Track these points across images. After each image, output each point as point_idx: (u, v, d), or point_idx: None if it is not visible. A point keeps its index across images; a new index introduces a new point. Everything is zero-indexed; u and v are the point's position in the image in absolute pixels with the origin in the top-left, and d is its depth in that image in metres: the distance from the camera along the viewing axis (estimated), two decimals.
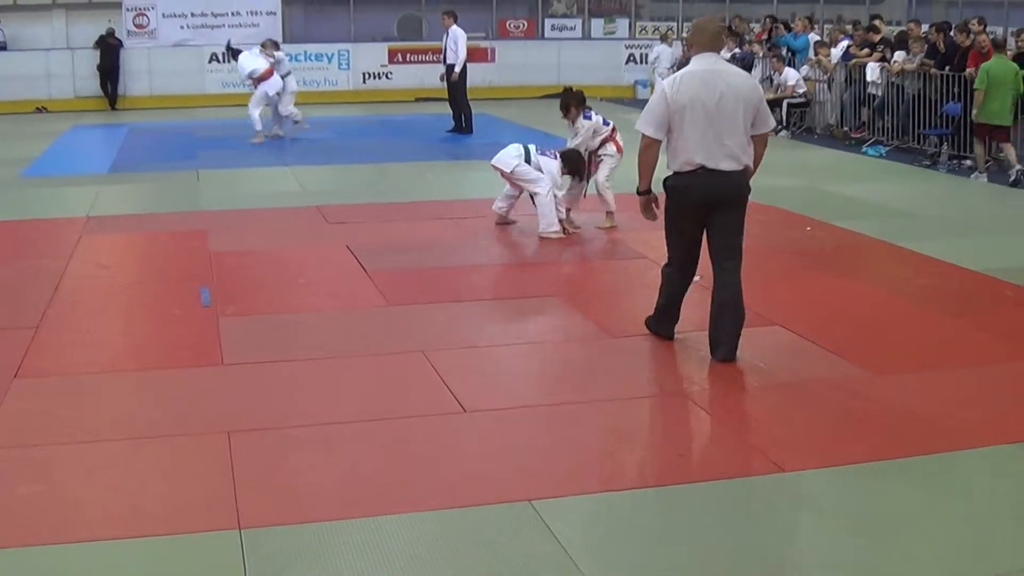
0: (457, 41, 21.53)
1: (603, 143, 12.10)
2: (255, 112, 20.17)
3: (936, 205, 14.25)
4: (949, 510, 5.60)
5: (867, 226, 12.02)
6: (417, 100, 27.84)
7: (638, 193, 7.97)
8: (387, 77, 29.09)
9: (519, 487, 5.74)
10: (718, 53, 7.92)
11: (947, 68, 17.84)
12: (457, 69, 21.55)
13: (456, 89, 21.78)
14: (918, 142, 18.58)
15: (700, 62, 7.71)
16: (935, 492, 5.81)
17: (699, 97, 7.48)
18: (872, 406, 6.98)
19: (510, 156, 12.00)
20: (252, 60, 20.15)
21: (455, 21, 21.59)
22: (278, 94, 20.18)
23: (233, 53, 20.90)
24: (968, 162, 17.10)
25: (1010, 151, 15.99)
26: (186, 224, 12.64)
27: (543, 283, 9.88)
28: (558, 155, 11.95)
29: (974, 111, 16.04)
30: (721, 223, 7.72)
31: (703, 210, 7.68)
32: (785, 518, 5.55)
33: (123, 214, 13.46)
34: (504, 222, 12.35)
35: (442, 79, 21.89)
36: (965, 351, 8.12)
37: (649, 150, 7.72)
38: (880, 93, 19.64)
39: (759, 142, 7.76)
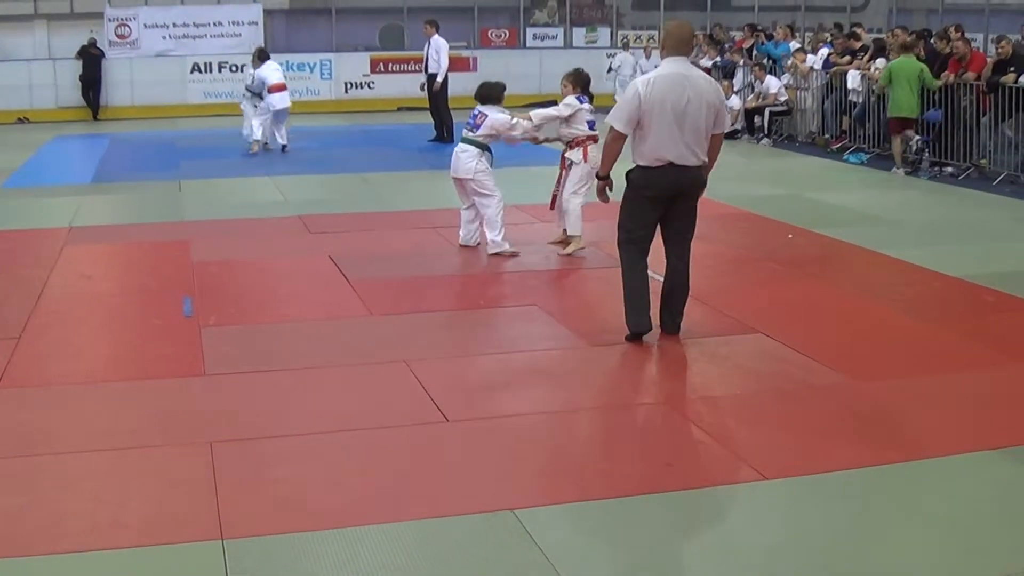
0: (439, 51, 21.66)
1: (574, 143, 11.39)
2: (256, 121, 20.12)
3: (917, 212, 14.29)
4: (931, 516, 5.61)
5: (848, 233, 12.05)
6: (399, 110, 27.86)
7: (598, 177, 8.71)
8: (369, 87, 29.09)
9: (502, 496, 5.73)
10: (687, 57, 8.56)
11: None
12: (439, 79, 21.61)
13: (438, 98, 21.83)
14: None
15: (671, 65, 8.24)
16: (917, 498, 5.83)
17: (669, 99, 8.04)
18: (854, 413, 6.99)
19: (469, 159, 11.39)
20: (273, 72, 20.16)
21: (437, 30, 21.66)
22: (283, 111, 20.22)
23: (261, 56, 20.78)
24: (949, 169, 17.18)
25: (915, 144, 17.45)
26: (168, 234, 12.63)
27: (524, 292, 9.89)
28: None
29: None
30: (676, 214, 8.34)
31: (663, 200, 8.26)
32: (767, 525, 5.56)
33: (105, 224, 13.44)
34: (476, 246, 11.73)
35: (423, 88, 21.94)
36: (946, 357, 8.14)
37: (616, 142, 8.31)
38: (861, 100, 19.69)
39: (716, 140, 8.39)
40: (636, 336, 8.34)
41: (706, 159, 8.31)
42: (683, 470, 6.22)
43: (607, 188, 8.66)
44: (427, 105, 22.16)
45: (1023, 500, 5.79)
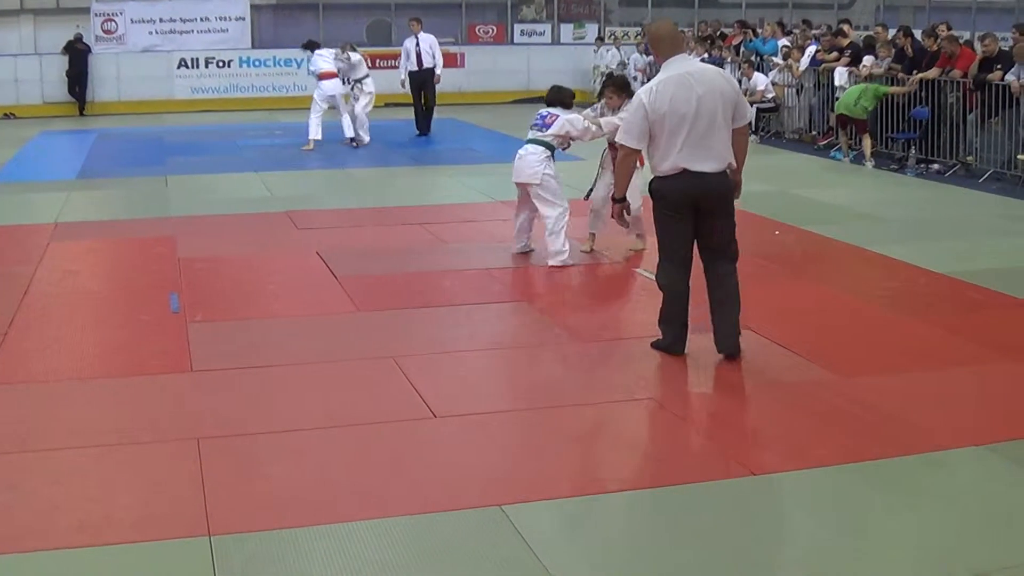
0: (433, 45, 21.88)
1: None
2: (313, 119, 20.21)
3: (903, 208, 14.32)
4: (919, 512, 5.63)
5: (835, 230, 12.07)
6: (386, 105, 27.78)
7: (614, 200, 8.08)
8: None
9: (490, 492, 5.74)
10: (685, 53, 7.95)
11: (915, 72, 17.94)
12: (439, 72, 21.97)
13: (432, 92, 22.05)
14: (886, 146, 18.67)
15: (672, 67, 7.68)
16: (905, 494, 5.84)
17: (677, 103, 7.48)
18: (841, 409, 7.01)
19: (536, 162, 10.79)
20: (321, 60, 20.30)
21: (422, 26, 21.78)
22: (343, 96, 20.36)
23: (309, 46, 20.84)
24: (936, 166, 17.24)
25: (867, 143, 18.06)
26: (155, 230, 12.60)
27: (512, 288, 9.90)
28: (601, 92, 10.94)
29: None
30: (709, 227, 7.74)
31: (688, 211, 7.66)
32: (756, 521, 5.57)
33: (92, 220, 13.42)
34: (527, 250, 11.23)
35: (404, 84, 21.99)
36: (932, 354, 8.17)
37: (628, 159, 7.85)
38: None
39: (739, 134, 7.80)
40: (664, 350, 7.99)
41: (731, 160, 7.71)
42: (671, 466, 6.23)
43: (624, 211, 8.14)
44: (410, 101, 22.19)
45: (1008, 496, 5.81)
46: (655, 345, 8.04)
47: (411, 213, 13.60)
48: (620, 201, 8.03)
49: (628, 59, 28.93)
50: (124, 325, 8.98)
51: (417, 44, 21.94)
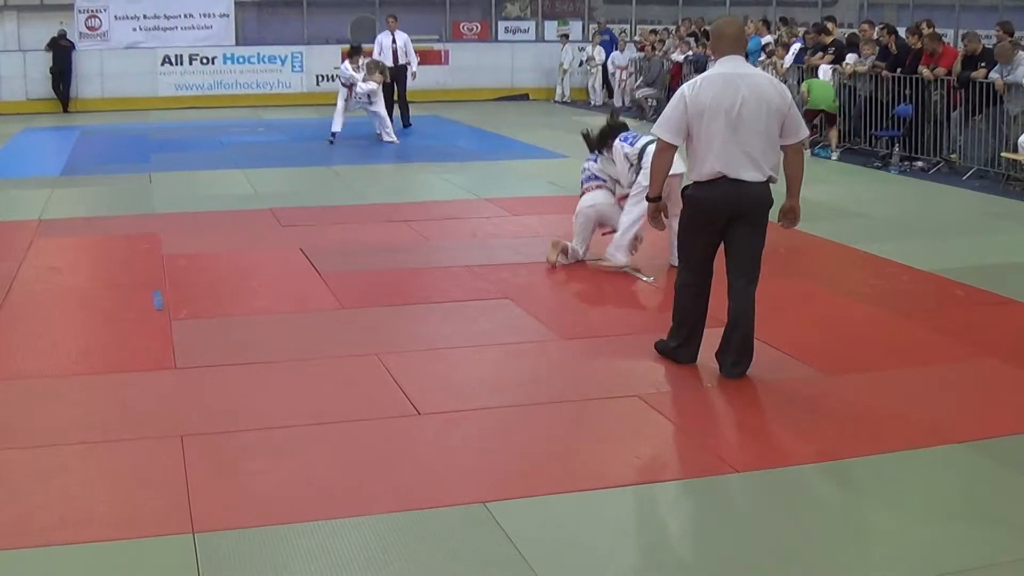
0: (407, 43, 22.39)
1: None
2: (340, 118, 20.59)
3: (888, 206, 14.35)
4: (900, 510, 5.64)
5: (820, 227, 12.07)
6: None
7: (648, 200, 7.74)
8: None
9: (473, 489, 5.75)
10: (742, 55, 7.49)
11: (898, 70, 17.98)
12: (414, 69, 22.39)
13: (404, 87, 22.50)
14: (870, 144, 18.72)
15: (722, 66, 7.34)
16: (888, 491, 5.85)
17: (719, 101, 7.13)
18: (825, 406, 7.03)
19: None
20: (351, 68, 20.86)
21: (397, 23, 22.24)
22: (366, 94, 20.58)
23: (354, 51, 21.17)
24: (919, 163, 17.29)
25: (832, 135, 19.03)
26: (139, 227, 12.58)
27: (496, 285, 9.88)
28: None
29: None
30: (739, 240, 7.36)
31: (721, 223, 7.30)
32: (739, 518, 5.58)
33: (75, 217, 13.38)
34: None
35: (392, 85, 22.16)
36: (917, 351, 8.19)
37: (663, 155, 7.45)
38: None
39: (793, 152, 7.41)
40: (671, 358, 7.72)
41: (772, 173, 7.26)
42: (655, 463, 6.25)
43: (661, 213, 7.81)
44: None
45: (989, 493, 5.83)
46: (658, 348, 7.83)
47: (395, 210, 13.58)
48: (654, 200, 7.67)
49: (593, 56, 29.24)
50: (108, 322, 8.96)
51: (393, 41, 22.37)
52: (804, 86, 19.36)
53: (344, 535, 5.27)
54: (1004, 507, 5.66)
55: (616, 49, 28.85)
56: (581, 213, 10.56)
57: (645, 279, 10.07)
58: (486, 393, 7.34)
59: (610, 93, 29.23)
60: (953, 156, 17.14)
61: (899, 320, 8.94)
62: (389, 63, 22.01)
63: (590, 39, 29.64)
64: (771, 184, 7.34)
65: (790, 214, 7.60)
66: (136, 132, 22.64)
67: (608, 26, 30.97)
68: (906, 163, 17.46)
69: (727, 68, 7.29)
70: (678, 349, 7.69)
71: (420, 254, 11.26)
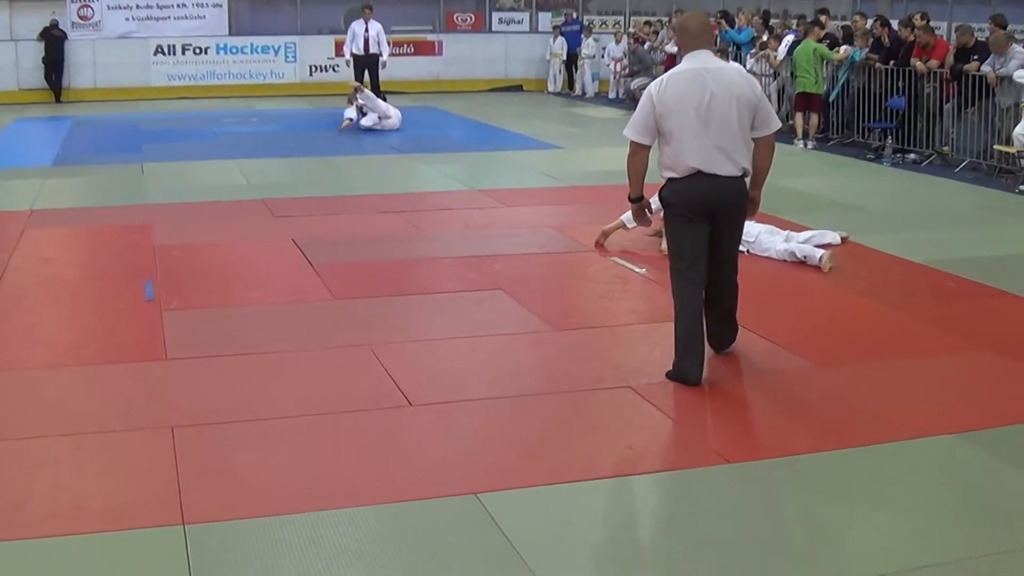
0: (380, 33, 23.06)
1: None
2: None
3: (880, 198, 14.36)
4: (892, 501, 5.64)
5: (811, 219, 12.08)
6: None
7: (630, 200, 7.65)
8: (334, 70, 28.95)
9: (465, 480, 5.74)
10: (710, 49, 7.43)
11: (891, 62, 17.99)
12: (385, 58, 23.19)
13: (376, 75, 23.07)
14: (862, 136, 18.73)
15: (688, 61, 7.27)
16: (879, 483, 5.85)
17: (686, 97, 7.09)
18: (817, 398, 7.03)
19: None
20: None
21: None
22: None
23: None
24: (912, 155, 17.31)
25: (814, 121, 19.20)
26: (130, 218, 12.56)
27: (489, 277, 9.87)
28: None
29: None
30: (718, 237, 7.32)
31: (700, 216, 7.20)
32: (731, 509, 5.57)
33: (67, 208, 13.36)
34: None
35: (348, 64, 22.67)
36: (908, 343, 8.19)
37: (635, 156, 7.36)
38: (825, 87, 19.77)
39: (763, 145, 7.34)
40: (680, 380, 7.24)
41: (747, 167, 7.24)
42: (646, 454, 6.25)
43: (645, 209, 7.72)
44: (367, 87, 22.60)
45: (982, 485, 5.84)
46: (670, 375, 7.30)
47: (388, 201, 13.57)
48: (636, 201, 7.59)
49: (553, 46, 29.47)
50: (99, 313, 8.95)
51: (366, 30, 22.87)
52: (792, 64, 19.76)
53: (335, 526, 5.26)
54: (997, 499, 5.67)
55: (584, 38, 29.25)
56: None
57: (637, 270, 10.06)
58: (478, 384, 7.34)
59: (570, 83, 29.44)
60: (945, 148, 17.16)
61: (892, 312, 8.95)
62: (360, 51, 22.73)
63: (613, 33, 29.55)
64: (745, 178, 7.34)
65: (751, 204, 7.55)
66: (129, 122, 22.61)
67: (603, 17, 30.99)
68: (899, 155, 17.48)
69: (694, 63, 7.23)
70: (691, 371, 7.23)
71: (413, 245, 11.25)
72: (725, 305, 7.60)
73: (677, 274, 7.36)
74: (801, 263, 10.24)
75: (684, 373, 7.22)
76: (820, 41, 19.95)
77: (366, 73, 22.99)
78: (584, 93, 29.10)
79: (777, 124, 7.44)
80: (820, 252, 10.26)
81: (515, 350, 8.07)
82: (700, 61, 7.23)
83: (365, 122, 20.71)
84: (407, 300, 9.28)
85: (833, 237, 10.93)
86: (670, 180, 7.27)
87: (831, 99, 19.58)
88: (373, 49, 22.79)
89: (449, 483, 5.72)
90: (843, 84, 19.26)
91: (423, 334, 8.36)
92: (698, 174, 7.12)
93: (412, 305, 9.14)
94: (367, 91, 21.26)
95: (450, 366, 7.72)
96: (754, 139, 7.26)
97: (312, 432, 6.43)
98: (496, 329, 8.49)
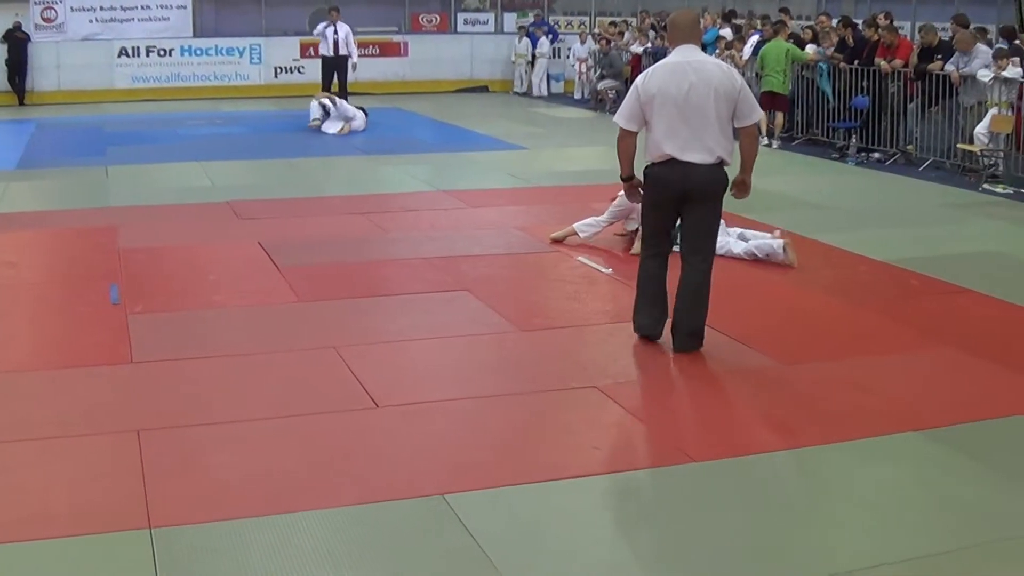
0: (349, 35, 23.11)
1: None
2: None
3: (843, 197, 14.42)
4: (856, 498, 5.68)
5: (776, 218, 12.12)
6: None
7: (621, 180, 8.07)
8: (299, 71, 28.85)
9: (432, 481, 5.75)
10: (696, 44, 7.92)
11: (856, 62, 18.08)
12: (355, 60, 23.14)
13: (344, 77, 23.11)
14: (827, 135, 18.81)
15: (675, 55, 7.77)
16: (843, 480, 5.89)
17: (667, 87, 7.56)
18: (782, 395, 7.07)
19: None
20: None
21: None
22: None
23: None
24: (876, 155, 17.41)
25: (779, 120, 19.31)
26: (95, 220, 12.50)
27: (454, 277, 9.88)
28: None
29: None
30: (691, 219, 7.78)
31: (674, 201, 7.75)
32: (697, 508, 5.59)
33: (31, 211, 13.28)
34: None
35: (331, 74, 22.60)
36: (872, 341, 8.23)
37: (623, 141, 7.84)
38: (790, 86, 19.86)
39: (745, 135, 7.88)
40: (642, 337, 8.06)
41: (723, 156, 7.67)
42: (612, 454, 6.27)
43: (637, 188, 8.01)
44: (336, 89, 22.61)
45: (944, 481, 5.88)
46: (636, 329, 8.10)
47: (353, 203, 13.56)
48: (627, 179, 7.99)
49: (518, 47, 29.59)
50: (63, 317, 8.91)
51: (335, 32, 22.82)
52: (758, 63, 19.74)
53: (303, 528, 5.26)
54: (961, 494, 5.71)
55: (552, 40, 29.53)
56: (621, 196, 10.60)
57: (603, 270, 10.09)
58: (444, 385, 7.35)
59: (529, 84, 29.52)
60: (909, 147, 17.27)
61: (856, 310, 9.00)
62: (329, 53, 22.75)
63: (578, 33, 29.56)
64: (724, 167, 7.73)
65: (741, 186, 8.10)
66: (93, 125, 22.47)
67: (569, 18, 31.03)
68: (863, 154, 17.59)
69: (679, 57, 7.73)
70: (637, 316, 8.07)
71: (378, 247, 11.24)
72: (696, 306, 7.84)
73: (643, 248, 8.13)
74: (763, 261, 10.28)
75: (639, 327, 8.05)
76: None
77: (335, 75, 22.99)
78: (533, 92, 29.14)
79: (759, 115, 8.08)
80: (780, 248, 10.28)
81: (481, 351, 8.08)
82: (684, 55, 7.73)
83: (329, 129, 20.65)
84: (373, 302, 9.28)
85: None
86: (651, 164, 7.78)
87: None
88: (343, 51, 22.83)
89: (416, 484, 5.73)
90: (808, 83, 19.33)
91: (389, 335, 8.36)
92: (672, 160, 7.61)
93: (378, 306, 9.14)
94: (337, 101, 21.20)
95: (416, 367, 7.72)
96: (737, 128, 7.78)
97: (279, 434, 6.42)
98: (462, 330, 8.50)
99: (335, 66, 22.87)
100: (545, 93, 29.15)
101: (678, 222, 7.92)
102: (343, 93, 22.39)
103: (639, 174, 7.93)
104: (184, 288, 9.66)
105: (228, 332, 8.38)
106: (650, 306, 8.00)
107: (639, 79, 7.79)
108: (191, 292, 9.53)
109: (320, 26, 23.13)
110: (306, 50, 28.64)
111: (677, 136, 7.57)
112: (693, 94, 7.52)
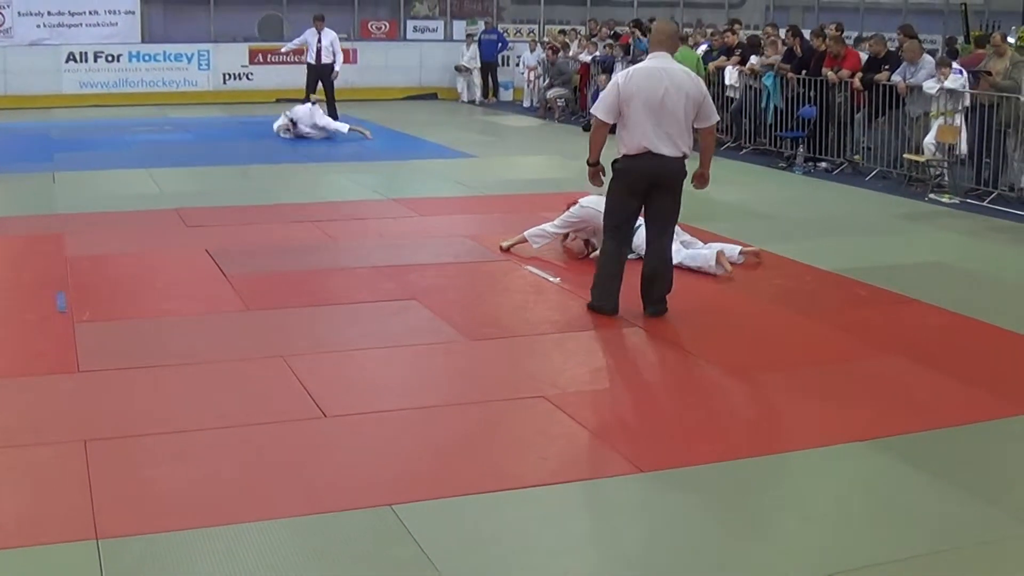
0: (335, 42, 22.88)
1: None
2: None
3: (791, 207, 14.52)
4: (801, 509, 5.73)
5: (723, 228, 12.19)
6: (278, 101, 27.52)
7: (588, 164, 8.96)
8: (248, 78, 28.77)
9: (380, 492, 5.75)
10: (671, 53, 8.99)
11: (803, 72, 18.19)
12: (339, 68, 22.92)
13: (330, 85, 22.81)
14: (774, 144, 18.92)
15: (651, 60, 8.83)
16: (790, 490, 5.93)
17: (645, 90, 8.58)
18: (729, 405, 7.12)
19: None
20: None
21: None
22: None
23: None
24: (823, 164, 17.53)
25: None
26: (41, 228, 12.40)
27: (403, 286, 9.87)
28: None
29: None
30: (658, 205, 8.84)
31: (643, 188, 8.74)
32: (644, 518, 5.62)
33: None
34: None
35: (315, 82, 22.41)
36: (821, 350, 8.30)
37: (597, 131, 8.96)
38: (738, 97, 19.96)
39: (706, 134, 9.02)
40: (597, 311, 8.93)
41: (686, 151, 8.70)
42: (560, 464, 6.27)
43: (599, 173, 9.00)
44: (304, 96, 22.36)
45: (890, 491, 5.93)
46: (590, 306, 9.00)
47: (302, 210, 13.51)
48: (592, 165, 8.94)
49: (464, 55, 29.65)
50: (8, 324, 8.84)
51: (319, 40, 22.58)
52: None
53: (250, 539, 5.25)
54: (907, 504, 5.76)
55: (501, 48, 29.65)
56: (579, 206, 10.74)
57: (551, 279, 10.11)
58: (392, 395, 7.34)
59: (494, 91, 29.57)
60: (856, 157, 17.40)
61: (803, 320, 9.06)
62: (314, 62, 22.55)
63: (528, 42, 29.59)
64: (685, 159, 8.71)
65: (701, 178, 9.15)
66: (39, 130, 22.28)
67: (518, 26, 31.06)
68: (810, 164, 17.69)
69: (655, 63, 8.78)
70: (608, 302, 8.89)
71: (327, 255, 11.22)
72: (662, 276, 8.95)
73: (606, 230, 9.04)
74: (697, 271, 10.29)
75: (597, 305, 8.94)
76: (734, 51, 20.19)
77: (319, 83, 22.76)
78: (473, 101, 29.29)
79: (716, 118, 9.14)
80: (713, 261, 10.36)
81: (429, 360, 8.08)
82: (660, 62, 8.79)
83: (304, 128, 20.61)
84: (321, 310, 9.26)
85: (732, 251, 10.84)
86: (624, 156, 8.73)
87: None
88: (326, 59, 22.59)
89: (364, 494, 5.73)
90: (755, 93, 19.43)
91: (337, 345, 8.35)
92: (647, 152, 8.62)
93: (326, 315, 9.13)
94: (317, 113, 21.07)
95: (364, 377, 7.71)
96: (698, 128, 8.88)
97: (227, 444, 6.40)
98: (410, 339, 8.49)
99: (319, 74, 22.64)
100: (469, 99, 29.35)
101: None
102: (331, 108, 22.18)
103: (606, 164, 8.90)
104: (131, 296, 9.61)
105: (175, 341, 8.34)
106: (609, 282, 8.87)
107: (619, 77, 8.85)
108: (138, 300, 9.48)
109: (305, 33, 22.93)
110: (255, 56, 28.58)
111: (652, 132, 8.57)
112: (668, 98, 8.57)
